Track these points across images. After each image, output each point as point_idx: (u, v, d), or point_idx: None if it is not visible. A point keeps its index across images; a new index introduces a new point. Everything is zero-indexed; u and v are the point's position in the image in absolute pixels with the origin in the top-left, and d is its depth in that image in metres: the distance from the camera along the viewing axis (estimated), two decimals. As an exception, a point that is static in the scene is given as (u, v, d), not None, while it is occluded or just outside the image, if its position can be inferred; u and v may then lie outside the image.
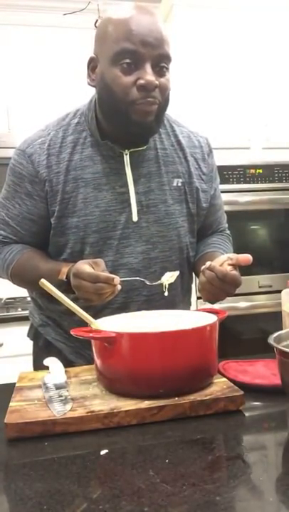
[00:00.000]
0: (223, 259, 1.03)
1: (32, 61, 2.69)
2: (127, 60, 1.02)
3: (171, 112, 1.27)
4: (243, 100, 2.70)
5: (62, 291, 0.97)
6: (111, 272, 1.04)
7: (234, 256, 1.03)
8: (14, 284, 1.23)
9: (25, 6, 2.65)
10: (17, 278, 1.19)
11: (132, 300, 1.15)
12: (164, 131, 1.20)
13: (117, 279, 0.97)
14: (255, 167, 2.62)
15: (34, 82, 2.67)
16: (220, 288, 1.01)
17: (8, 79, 2.67)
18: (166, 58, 1.05)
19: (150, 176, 1.16)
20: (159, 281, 1.10)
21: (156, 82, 1.03)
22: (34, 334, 1.31)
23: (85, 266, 0.99)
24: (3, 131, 2.60)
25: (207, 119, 2.49)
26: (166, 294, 1.10)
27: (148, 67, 1.02)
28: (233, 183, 2.58)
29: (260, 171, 2.63)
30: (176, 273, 1.11)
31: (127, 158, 1.13)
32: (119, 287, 0.99)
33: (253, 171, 2.62)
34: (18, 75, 2.68)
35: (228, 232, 1.36)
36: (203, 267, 1.03)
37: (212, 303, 1.09)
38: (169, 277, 1.10)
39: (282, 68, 2.77)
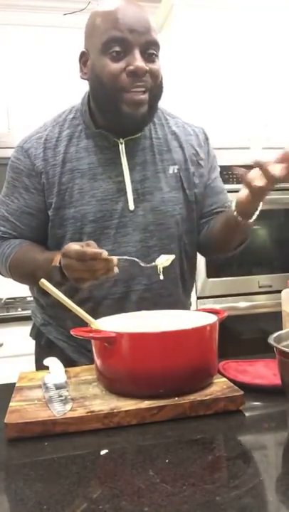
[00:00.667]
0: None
1: (32, 61, 2.69)
2: (116, 48, 1.04)
3: (172, 111, 1.27)
4: (243, 100, 2.70)
5: (58, 279, 0.96)
6: None
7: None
8: (14, 279, 1.23)
9: (25, 6, 2.65)
10: (15, 271, 1.19)
11: (132, 289, 1.15)
12: (158, 122, 1.21)
13: (104, 253, 0.94)
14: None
15: (34, 82, 2.67)
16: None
17: (8, 79, 2.67)
18: (154, 45, 1.07)
19: (145, 164, 1.17)
20: (153, 263, 1.09)
21: (146, 68, 1.04)
22: (36, 333, 1.31)
23: (73, 245, 0.97)
24: (3, 131, 2.60)
25: (207, 119, 2.49)
26: (161, 277, 1.09)
27: (137, 53, 1.04)
28: (233, 183, 2.57)
29: (260, 171, 2.62)
30: (172, 257, 1.10)
31: (122, 148, 1.14)
32: (116, 266, 0.97)
33: (253, 171, 2.61)
34: (18, 75, 2.68)
35: None
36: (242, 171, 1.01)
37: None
38: (164, 260, 1.09)
39: (282, 68, 2.77)
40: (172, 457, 0.70)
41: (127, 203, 1.14)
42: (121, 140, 1.14)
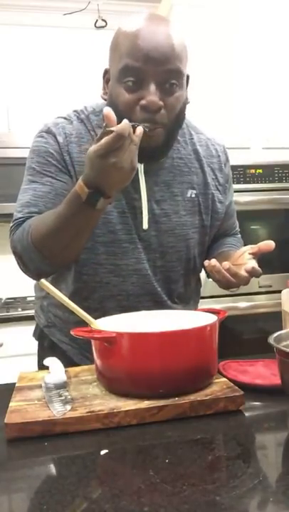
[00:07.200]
0: (244, 250, 1.04)
1: (32, 61, 2.69)
2: (131, 79, 0.99)
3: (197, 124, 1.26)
4: (243, 100, 2.70)
5: (92, 202, 0.92)
6: (124, 276, 1.09)
7: (255, 245, 1.04)
8: (38, 250, 1.04)
9: (25, 6, 2.65)
10: (38, 238, 1.03)
11: (142, 305, 1.14)
12: (182, 139, 1.19)
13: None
14: (255, 167, 2.62)
15: (34, 82, 2.67)
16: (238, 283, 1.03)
17: (8, 79, 2.67)
18: (175, 74, 1.00)
19: (164, 186, 1.14)
20: None
21: (160, 103, 0.99)
22: (39, 335, 1.30)
23: (90, 147, 0.90)
24: (3, 131, 2.60)
25: (207, 119, 2.49)
26: None
27: (152, 86, 0.98)
28: (233, 183, 2.58)
29: (260, 171, 2.63)
30: None
31: (141, 166, 1.11)
32: (139, 131, 0.91)
33: (253, 171, 2.61)
34: (18, 75, 2.68)
35: (239, 235, 1.37)
36: (207, 262, 1.02)
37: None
38: None
39: (282, 68, 2.77)
40: (172, 457, 0.70)
41: (142, 221, 1.13)
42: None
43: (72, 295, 1.12)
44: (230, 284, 1.02)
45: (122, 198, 1.11)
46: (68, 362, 1.12)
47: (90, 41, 2.64)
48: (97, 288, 1.14)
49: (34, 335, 1.33)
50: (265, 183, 2.63)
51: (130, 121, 0.95)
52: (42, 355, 1.27)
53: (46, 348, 1.27)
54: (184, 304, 1.24)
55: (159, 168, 1.14)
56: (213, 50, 2.67)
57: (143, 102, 0.99)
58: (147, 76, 0.98)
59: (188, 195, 1.17)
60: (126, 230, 1.12)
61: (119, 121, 0.94)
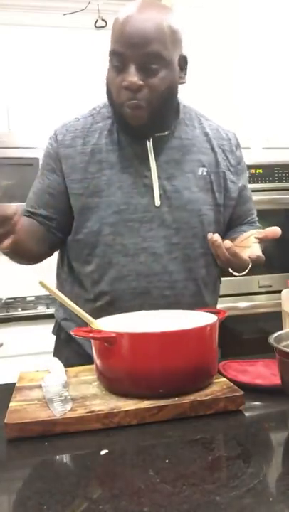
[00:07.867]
0: (251, 233, 1.06)
1: (32, 61, 2.69)
2: (116, 63, 1.07)
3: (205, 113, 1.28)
4: (243, 100, 2.70)
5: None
6: (132, 256, 1.11)
7: (262, 231, 1.06)
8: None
9: (25, 6, 2.65)
10: None
11: (154, 285, 1.15)
12: (190, 123, 1.23)
13: None
14: (255, 167, 2.62)
15: (34, 82, 2.67)
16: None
17: (8, 79, 2.67)
18: (154, 58, 1.05)
19: (173, 163, 1.18)
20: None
21: (140, 83, 1.05)
22: (57, 328, 1.32)
23: None
24: (3, 131, 2.60)
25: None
26: None
27: (131, 68, 1.05)
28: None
29: (260, 171, 2.63)
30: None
31: (150, 145, 1.16)
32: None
33: (253, 171, 2.61)
34: (18, 75, 2.68)
35: (258, 224, 1.36)
36: (210, 235, 1.06)
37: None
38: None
39: (282, 68, 2.77)
40: (172, 457, 0.70)
41: (153, 198, 1.15)
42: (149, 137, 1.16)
43: (84, 279, 1.17)
44: (230, 263, 1.05)
45: (126, 179, 1.14)
46: (84, 355, 1.15)
47: (90, 41, 2.64)
48: (107, 269, 1.15)
49: (53, 331, 1.35)
50: (265, 183, 2.63)
51: (118, 103, 1.07)
52: (58, 348, 1.30)
53: (63, 341, 1.28)
54: (200, 290, 1.20)
55: (167, 147, 1.18)
56: (212, 51, 2.66)
57: (124, 83, 1.06)
58: (127, 59, 1.05)
59: (200, 173, 1.19)
60: (131, 209, 1.14)
61: (110, 101, 1.10)
